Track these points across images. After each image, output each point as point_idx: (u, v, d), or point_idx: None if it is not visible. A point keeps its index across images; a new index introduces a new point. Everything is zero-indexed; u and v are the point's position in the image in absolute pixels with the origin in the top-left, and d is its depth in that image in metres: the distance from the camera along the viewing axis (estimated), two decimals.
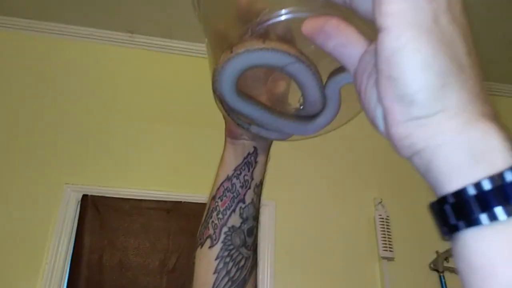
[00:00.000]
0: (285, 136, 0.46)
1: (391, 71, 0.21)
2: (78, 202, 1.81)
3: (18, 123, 1.92)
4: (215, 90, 0.40)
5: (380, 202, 1.98)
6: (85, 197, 1.81)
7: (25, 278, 1.67)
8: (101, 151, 1.92)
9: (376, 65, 0.22)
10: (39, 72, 2.02)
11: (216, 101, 0.43)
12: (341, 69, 0.36)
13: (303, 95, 0.41)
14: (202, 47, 2.02)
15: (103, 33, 2.11)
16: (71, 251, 1.73)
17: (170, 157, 1.94)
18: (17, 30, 2.07)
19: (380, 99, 0.23)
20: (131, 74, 2.10)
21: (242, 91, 0.41)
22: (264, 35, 0.36)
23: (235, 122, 0.45)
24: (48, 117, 1.95)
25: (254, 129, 0.44)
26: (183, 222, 1.80)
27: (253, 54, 0.35)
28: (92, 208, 1.80)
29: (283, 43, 0.36)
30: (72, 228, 1.77)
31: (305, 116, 0.43)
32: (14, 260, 1.69)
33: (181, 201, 1.83)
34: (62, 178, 1.83)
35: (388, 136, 0.23)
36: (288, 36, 0.37)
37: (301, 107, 0.43)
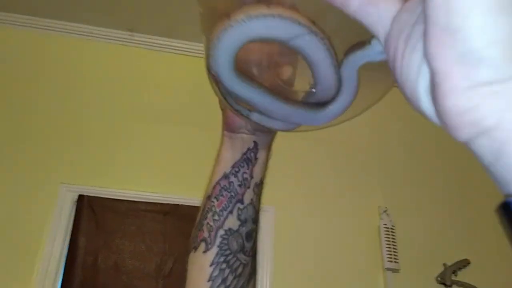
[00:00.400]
0: (290, 127, 0.40)
1: (450, 19, 0.16)
2: (74, 202, 1.78)
3: (12, 120, 1.89)
4: (209, 68, 0.34)
5: (385, 211, 1.93)
6: (81, 197, 1.78)
7: (18, 279, 1.64)
8: (98, 151, 1.89)
9: (425, 15, 0.17)
10: (35, 69, 2.00)
11: (210, 82, 0.37)
12: (359, 45, 0.30)
13: (313, 76, 0.35)
14: (203, 47, 1.97)
15: (102, 31, 2.08)
16: (66, 253, 1.70)
17: (169, 158, 1.91)
18: (15, 26, 2.05)
19: (430, 62, 0.18)
20: (130, 73, 2.07)
21: (241, 71, 0.36)
22: (268, 1, 0.30)
23: (233, 109, 0.39)
24: (44, 114, 1.92)
25: (254, 117, 0.39)
26: (180, 225, 1.77)
27: (255, 22, 0.30)
28: (88, 209, 1.77)
29: (292, 10, 0.31)
30: (67, 229, 1.74)
31: (315, 103, 0.37)
32: (7, 261, 1.66)
33: (178, 204, 1.80)
34: (58, 178, 1.80)
35: (440, 113, 0.18)
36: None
37: (311, 92, 0.37)
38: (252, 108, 0.38)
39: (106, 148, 1.90)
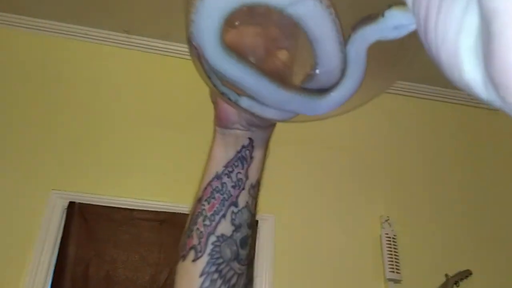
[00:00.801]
0: (286, 116, 0.35)
1: None
2: (64, 209, 1.72)
3: (3, 123, 1.83)
4: (190, 38, 0.29)
5: (387, 220, 1.90)
6: (71, 204, 1.73)
7: None
8: (91, 156, 1.83)
9: None
10: (28, 71, 1.95)
11: (192, 57, 0.31)
12: (370, 18, 0.25)
13: (315, 55, 0.30)
14: None
15: (98, 33, 2.04)
16: (54, 262, 1.64)
17: (165, 164, 1.86)
18: (9, 27, 1.99)
19: (486, 3, 0.14)
20: (126, 76, 2.03)
21: (231, 45, 0.30)
22: None
23: (218, 91, 0.33)
24: (36, 117, 1.87)
25: (244, 102, 0.33)
26: (176, 234, 1.66)
27: None
28: (79, 217, 1.71)
29: None
30: (57, 238, 1.68)
31: (316, 89, 0.32)
32: None
33: (175, 212, 1.74)
34: (49, 183, 1.74)
35: (497, 75, 0.14)
36: None
37: (311, 75, 0.32)
38: (241, 91, 0.33)
39: (99, 153, 1.85)
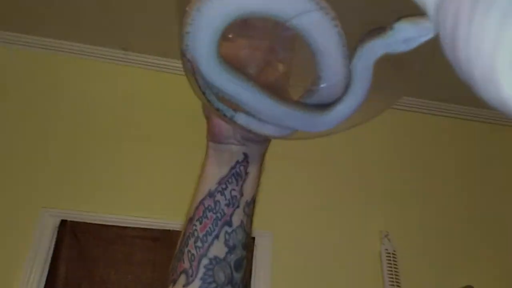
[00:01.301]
0: (284, 133, 0.33)
1: None
2: (55, 228, 1.68)
3: None
4: (184, 51, 0.27)
5: (387, 236, 1.88)
6: (63, 222, 1.69)
7: None
8: (83, 173, 1.80)
9: None
10: (22, 88, 1.94)
11: (186, 71, 0.30)
12: (378, 31, 0.24)
13: (318, 69, 0.28)
14: None
15: (95, 50, 2.04)
16: (44, 283, 1.60)
17: (160, 181, 1.84)
18: (7, 45, 1.99)
19: None
20: (120, 93, 2.02)
21: (225, 58, 0.29)
22: None
23: (213, 107, 0.31)
24: (28, 133, 1.84)
25: (240, 119, 0.31)
26: (171, 253, 1.64)
27: None
28: (70, 235, 1.67)
29: None
30: (47, 257, 1.64)
31: (317, 105, 0.30)
32: None
33: (170, 230, 1.70)
34: (39, 201, 1.71)
35: None
36: None
37: (312, 90, 0.30)
38: (238, 107, 0.31)
39: (92, 169, 1.82)
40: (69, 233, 1.66)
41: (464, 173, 2.07)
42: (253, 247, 1.74)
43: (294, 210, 1.88)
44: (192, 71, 0.29)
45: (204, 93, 0.30)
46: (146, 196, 1.79)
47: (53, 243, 1.65)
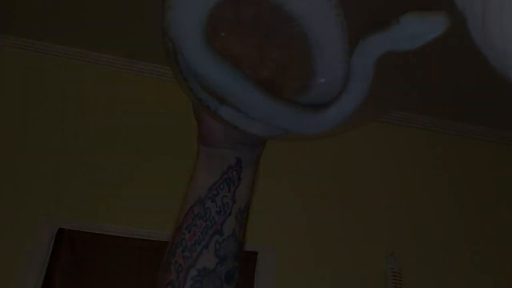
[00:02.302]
0: (273, 132, 0.30)
1: None
2: (52, 237, 1.63)
3: None
4: (166, 29, 0.24)
5: (392, 254, 1.85)
6: (61, 231, 1.64)
7: None
8: (84, 181, 1.77)
9: None
10: (20, 94, 1.92)
11: (166, 53, 0.26)
12: (382, 26, 0.22)
13: (314, 64, 0.26)
14: None
15: (101, 57, 2.03)
16: None
17: (162, 190, 1.79)
18: (8, 48, 1.98)
19: None
20: (122, 101, 2.00)
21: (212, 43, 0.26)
22: None
23: (194, 97, 0.28)
24: (28, 139, 1.82)
25: (225, 112, 0.28)
26: None
27: None
28: (68, 245, 1.63)
29: None
30: (42, 268, 1.59)
31: (310, 104, 0.27)
32: None
33: None
34: (37, 208, 1.67)
35: None
36: None
37: (308, 86, 0.28)
38: (223, 98, 0.28)
39: (93, 178, 1.78)
40: (66, 242, 1.62)
41: (471, 193, 2.06)
42: (255, 263, 1.69)
43: (298, 226, 1.85)
44: (173, 53, 0.26)
45: (186, 80, 0.27)
46: (148, 207, 1.75)
47: (50, 253, 1.60)
